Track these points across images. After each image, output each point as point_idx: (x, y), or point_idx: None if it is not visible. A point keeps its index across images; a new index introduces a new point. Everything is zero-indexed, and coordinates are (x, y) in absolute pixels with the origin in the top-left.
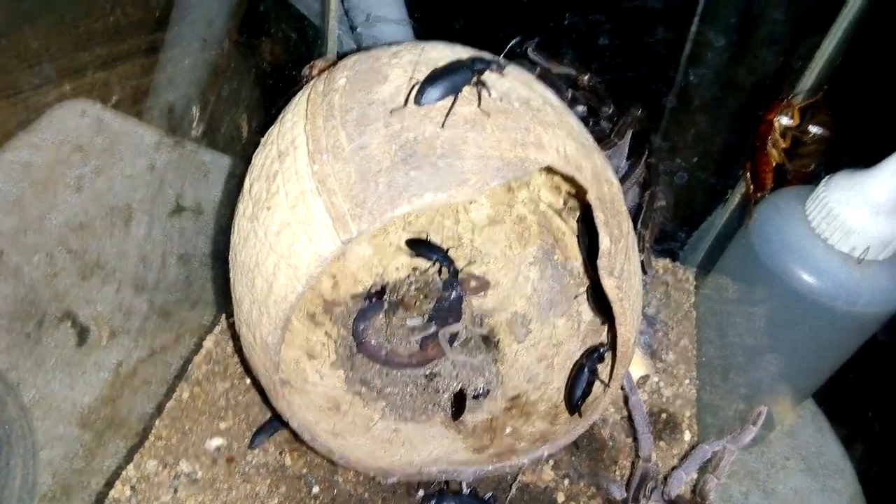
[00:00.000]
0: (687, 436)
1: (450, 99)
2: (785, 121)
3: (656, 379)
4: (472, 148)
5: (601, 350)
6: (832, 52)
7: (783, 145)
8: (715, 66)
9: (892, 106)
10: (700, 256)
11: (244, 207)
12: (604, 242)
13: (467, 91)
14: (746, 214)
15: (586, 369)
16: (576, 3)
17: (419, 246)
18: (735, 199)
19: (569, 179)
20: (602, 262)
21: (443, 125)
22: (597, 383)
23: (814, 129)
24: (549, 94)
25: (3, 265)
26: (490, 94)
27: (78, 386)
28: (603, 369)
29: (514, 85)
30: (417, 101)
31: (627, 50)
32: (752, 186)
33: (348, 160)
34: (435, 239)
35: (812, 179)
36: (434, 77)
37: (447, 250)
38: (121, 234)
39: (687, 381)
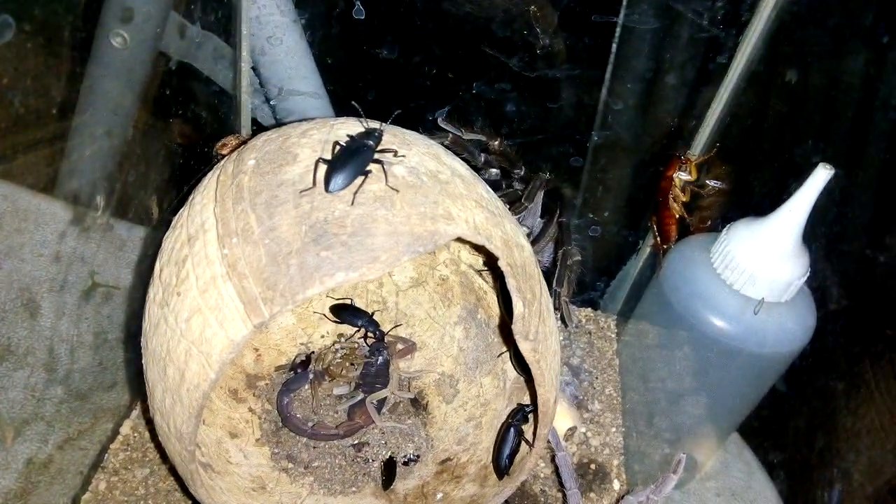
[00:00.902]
0: (616, 485)
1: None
2: (683, 176)
3: (584, 429)
4: (382, 225)
5: (525, 410)
6: (722, 111)
7: (683, 199)
8: (620, 126)
9: (776, 158)
10: (619, 304)
11: (154, 293)
12: (517, 307)
13: (376, 169)
14: (657, 263)
15: (512, 430)
16: (482, 74)
17: (344, 312)
18: (646, 249)
19: (480, 248)
20: (517, 327)
21: (352, 203)
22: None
23: (711, 183)
24: (458, 165)
25: None
26: (399, 170)
27: None
28: (528, 429)
29: (422, 159)
30: (327, 190)
31: (535, 115)
32: (658, 238)
33: (258, 243)
34: (359, 303)
35: (714, 229)
36: (337, 163)
37: (372, 314)
38: (31, 316)
39: (613, 429)
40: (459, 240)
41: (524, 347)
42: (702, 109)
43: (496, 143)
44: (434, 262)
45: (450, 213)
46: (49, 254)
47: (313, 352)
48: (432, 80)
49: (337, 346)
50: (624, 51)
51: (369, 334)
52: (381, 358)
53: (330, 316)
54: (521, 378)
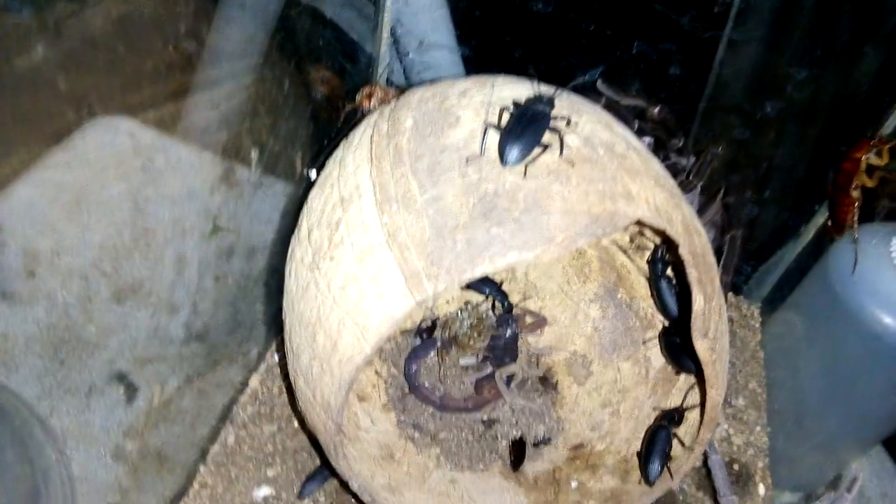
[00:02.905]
0: (761, 489)
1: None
2: (874, 159)
3: (725, 426)
4: (557, 202)
5: (678, 413)
6: None
7: (870, 184)
8: (797, 98)
9: None
10: (766, 292)
11: (302, 253)
12: (697, 302)
13: (549, 138)
14: (822, 251)
15: (663, 434)
16: (645, 32)
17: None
18: (809, 234)
19: (658, 232)
20: (696, 324)
21: (524, 175)
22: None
23: None
24: (630, 136)
25: (37, 288)
26: (573, 141)
27: (112, 416)
28: (685, 431)
29: (595, 128)
30: (503, 162)
31: (699, 81)
32: (830, 223)
33: (421, 212)
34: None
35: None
36: (512, 132)
37: (500, 284)
38: (156, 253)
39: (758, 428)
40: (638, 223)
41: (701, 347)
42: None
43: (656, 109)
44: None
45: (629, 192)
46: (198, 205)
47: (438, 318)
48: (588, 37)
49: (464, 314)
50: (808, 12)
51: (497, 305)
52: (509, 330)
53: None
54: (669, 369)
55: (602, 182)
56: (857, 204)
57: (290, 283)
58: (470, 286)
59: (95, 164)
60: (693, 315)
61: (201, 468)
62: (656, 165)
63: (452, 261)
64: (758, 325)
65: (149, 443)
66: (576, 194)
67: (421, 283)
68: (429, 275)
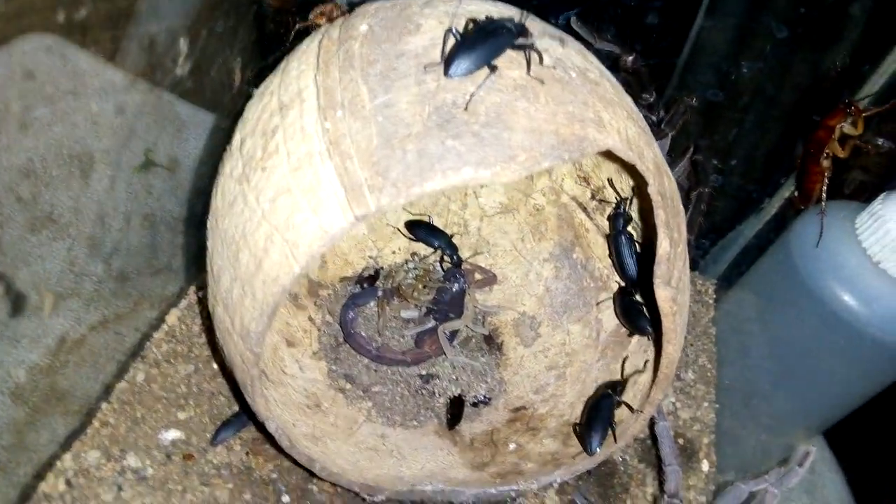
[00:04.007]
0: (705, 465)
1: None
2: (848, 128)
3: (673, 399)
4: (522, 119)
5: (622, 385)
6: None
7: (842, 155)
8: (772, 60)
9: None
10: (723, 268)
11: (231, 167)
12: (662, 246)
13: (513, 53)
14: (786, 226)
15: (605, 402)
16: None
17: (420, 230)
18: (772, 209)
19: (629, 168)
20: (660, 270)
21: (482, 88)
22: (624, 411)
23: (880, 141)
24: (604, 67)
25: None
26: (544, 60)
27: (15, 353)
28: (633, 394)
29: (567, 52)
30: (446, 72)
31: (677, 34)
32: (797, 194)
33: (369, 119)
34: (438, 223)
35: (865, 195)
36: (466, 42)
37: (451, 237)
38: (79, 185)
39: (706, 404)
40: (606, 155)
41: (663, 296)
42: (881, 51)
43: (630, 58)
44: (529, 188)
45: (601, 119)
46: (104, 121)
47: (382, 267)
48: None
49: (409, 265)
50: None
51: (445, 258)
52: (456, 285)
53: (404, 231)
54: (621, 331)
55: (572, 105)
56: (826, 174)
57: (217, 200)
58: (419, 237)
59: (21, 83)
60: (657, 259)
61: (104, 406)
62: (628, 101)
63: (401, 173)
64: (712, 302)
65: (52, 381)
66: (543, 113)
67: (363, 197)
68: (372, 187)
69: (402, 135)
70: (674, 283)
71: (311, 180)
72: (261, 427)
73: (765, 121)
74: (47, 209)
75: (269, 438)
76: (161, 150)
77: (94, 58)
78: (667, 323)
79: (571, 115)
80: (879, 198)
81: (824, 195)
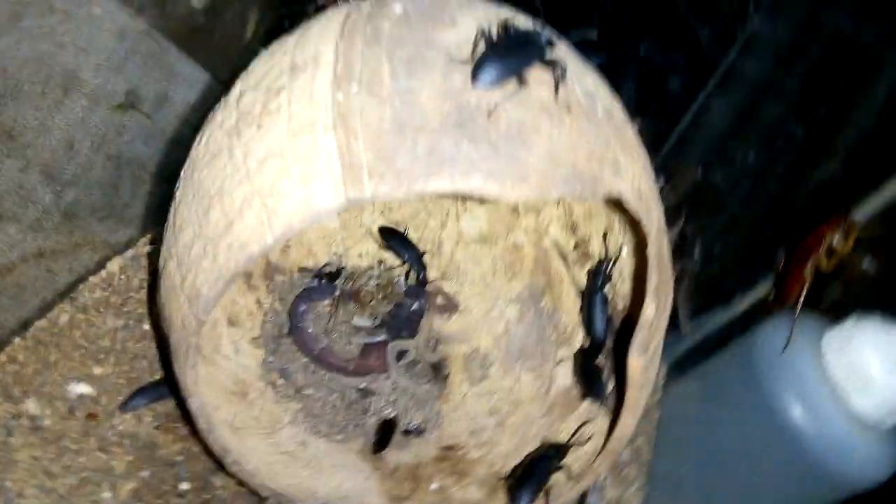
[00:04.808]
0: None
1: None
2: (837, 241)
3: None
4: (543, 141)
5: (565, 448)
6: None
7: (825, 268)
8: (777, 154)
9: None
10: (678, 353)
11: (224, 117)
12: (648, 311)
13: (542, 73)
14: (751, 324)
15: (544, 465)
16: (656, 32)
17: (393, 238)
18: (742, 305)
19: (630, 223)
20: (640, 336)
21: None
22: (562, 475)
23: (865, 264)
24: (626, 114)
25: None
26: (574, 88)
27: None
28: (574, 459)
29: (598, 86)
30: (473, 79)
31: (685, 101)
32: (772, 296)
33: (385, 101)
34: (413, 237)
35: (841, 312)
36: (495, 50)
37: (423, 254)
38: (49, 108)
39: (634, 488)
40: (613, 204)
41: (637, 364)
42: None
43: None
44: (513, 223)
45: (618, 164)
46: (93, 50)
47: (345, 267)
48: (601, 18)
49: (374, 272)
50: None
51: (412, 274)
52: (416, 304)
53: (377, 237)
54: (572, 392)
55: (595, 141)
56: (806, 284)
57: (198, 149)
58: (390, 246)
59: None
60: (639, 324)
61: (16, 341)
62: (646, 154)
63: (407, 164)
64: (661, 384)
65: None
66: (565, 141)
67: (361, 179)
68: (372, 172)
69: (417, 125)
70: (650, 353)
71: (308, 149)
72: (181, 402)
73: (758, 214)
74: (9, 124)
75: (186, 416)
76: (146, 94)
77: None
78: (632, 394)
79: (591, 152)
80: (850, 320)
81: (800, 303)
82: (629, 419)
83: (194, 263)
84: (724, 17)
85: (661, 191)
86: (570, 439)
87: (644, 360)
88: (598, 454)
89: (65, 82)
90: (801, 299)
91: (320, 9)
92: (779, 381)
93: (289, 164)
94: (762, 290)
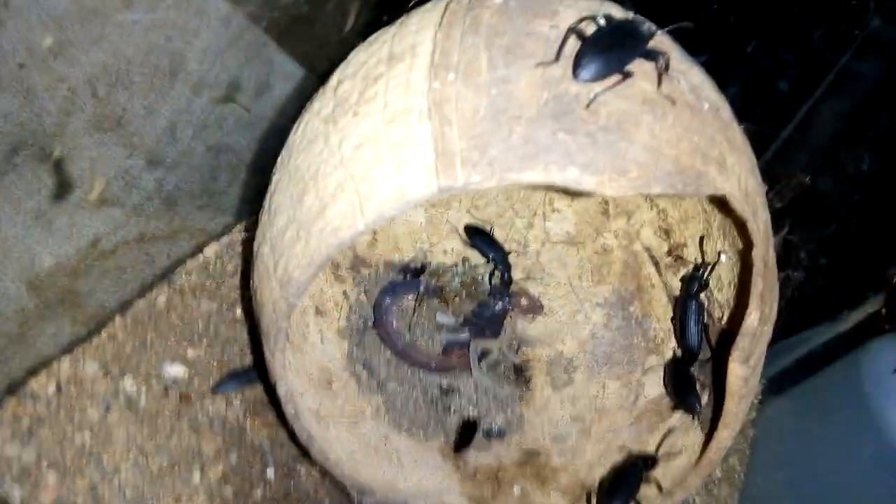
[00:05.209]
0: None
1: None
2: None
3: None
4: (644, 134)
5: (652, 459)
6: None
7: None
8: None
9: None
10: (776, 370)
11: (321, 105)
12: (751, 318)
13: (646, 65)
14: (860, 343)
15: (634, 475)
16: (771, 33)
17: (478, 237)
18: (850, 322)
19: (738, 225)
20: (742, 344)
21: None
22: (651, 488)
23: None
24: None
25: (19, 80)
26: (679, 82)
27: (45, 242)
28: (664, 472)
29: (704, 82)
30: (575, 74)
31: (793, 103)
32: (885, 311)
33: (482, 89)
34: (499, 236)
35: None
36: (597, 44)
37: (508, 253)
38: (156, 98)
39: None
40: (716, 202)
41: (738, 373)
42: None
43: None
44: (603, 225)
45: (724, 161)
46: (199, 44)
47: (430, 263)
48: (706, 16)
49: (458, 269)
50: None
51: (496, 274)
52: (500, 304)
53: (462, 234)
54: (663, 402)
55: (699, 137)
56: None
57: (295, 136)
58: (475, 244)
59: None
60: (742, 331)
61: (116, 320)
62: (753, 154)
63: (501, 153)
64: (756, 402)
65: (73, 282)
66: (668, 135)
67: (453, 167)
68: (466, 160)
69: (513, 114)
70: (752, 363)
71: (402, 136)
72: (269, 387)
73: (869, 225)
74: (118, 112)
75: (274, 402)
76: (246, 85)
77: None
78: (731, 405)
79: (696, 147)
80: None
81: None
82: (726, 433)
83: (287, 248)
84: (840, 15)
85: (767, 193)
86: (657, 449)
87: (745, 370)
88: (692, 469)
89: (171, 73)
90: None
91: (421, 2)
92: (890, 401)
93: (383, 150)
94: (871, 306)
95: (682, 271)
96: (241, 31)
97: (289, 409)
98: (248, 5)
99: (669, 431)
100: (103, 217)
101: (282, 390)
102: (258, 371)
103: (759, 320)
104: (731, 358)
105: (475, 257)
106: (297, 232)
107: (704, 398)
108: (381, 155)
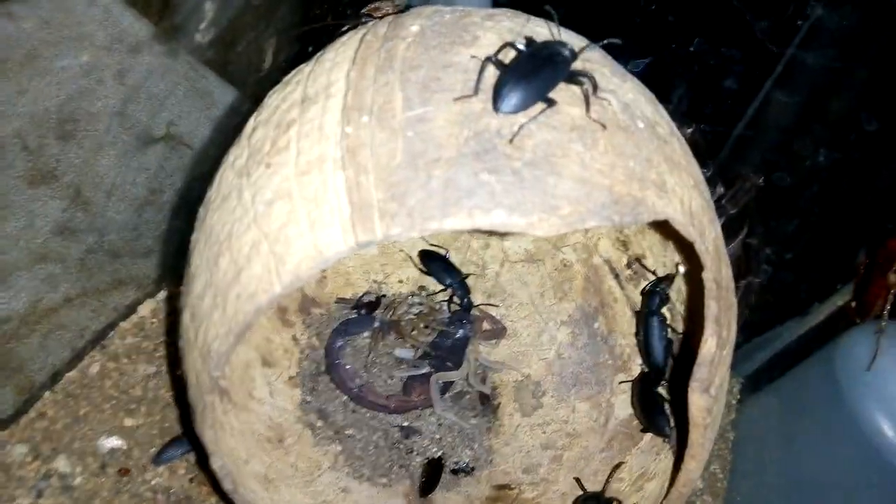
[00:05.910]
0: None
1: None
2: None
3: None
4: (574, 165)
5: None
6: None
7: None
8: (854, 150)
9: None
10: (753, 368)
11: (235, 156)
12: (708, 345)
13: (573, 87)
14: (833, 337)
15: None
16: (713, 29)
17: (434, 263)
18: (821, 315)
19: (683, 244)
20: (700, 373)
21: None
22: None
23: None
24: (673, 124)
25: None
26: (609, 103)
27: None
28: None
29: (638, 98)
30: (495, 106)
31: (743, 99)
32: (854, 304)
33: (397, 132)
34: (455, 259)
35: None
36: (516, 72)
37: (466, 277)
38: (91, 146)
39: None
40: (659, 226)
41: (698, 404)
42: None
43: (689, 130)
44: (561, 240)
45: (664, 183)
46: (157, 105)
47: (385, 295)
48: (644, 18)
49: (415, 299)
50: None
51: (455, 299)
52: (461, 331)
53: (416, 261)
54: (634, 423)
55: (634, 160)
56: (892, 290)
57: (212, 190)
58: (431, 271)
59: (57, 28)
60: (699, 360)
61: (46, 395)
62: (697, 168)
63: (420, 201)
64: (735, 403)
65: (7, 354)
66: (599, 164)
67: (370, 221)
68: (384, 212)
69: (431, 157)
70: (713, 392)
71: (316, 189)
72: (203, 458)
73: (832, 216)
74: (52, 164)
75: (211, 476)
76: (186, 123)
77: (140, 21)
78: (695, 435)
79: (631, 173)
80: None
81: (886, 313)
82: (692, 463)
83: (206, 316)
84: (782, 6)
85: (721, 199)
86: (604, 487)
87: (707, 401)
88: (663, 499)
89: (108, 119)
90: (887, 309)
91: (342, 31)
92: (866, 397)
93: (296, 206)
94: (841, 298)
95: (643, 284)
96: (179, 66)
97: (226, 485)
98: (185, 40)
99: (619, 466)
100: (43, 274)
101: (216, 464)
102: (191, 440)
103: (717, 345)
104: (690, 388)
105: (432, 284)
106: (214, 298)
107: (673, 419)
108: (295, 211)
